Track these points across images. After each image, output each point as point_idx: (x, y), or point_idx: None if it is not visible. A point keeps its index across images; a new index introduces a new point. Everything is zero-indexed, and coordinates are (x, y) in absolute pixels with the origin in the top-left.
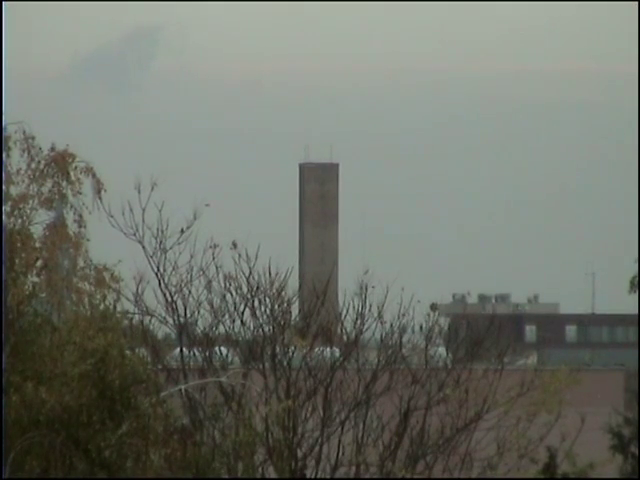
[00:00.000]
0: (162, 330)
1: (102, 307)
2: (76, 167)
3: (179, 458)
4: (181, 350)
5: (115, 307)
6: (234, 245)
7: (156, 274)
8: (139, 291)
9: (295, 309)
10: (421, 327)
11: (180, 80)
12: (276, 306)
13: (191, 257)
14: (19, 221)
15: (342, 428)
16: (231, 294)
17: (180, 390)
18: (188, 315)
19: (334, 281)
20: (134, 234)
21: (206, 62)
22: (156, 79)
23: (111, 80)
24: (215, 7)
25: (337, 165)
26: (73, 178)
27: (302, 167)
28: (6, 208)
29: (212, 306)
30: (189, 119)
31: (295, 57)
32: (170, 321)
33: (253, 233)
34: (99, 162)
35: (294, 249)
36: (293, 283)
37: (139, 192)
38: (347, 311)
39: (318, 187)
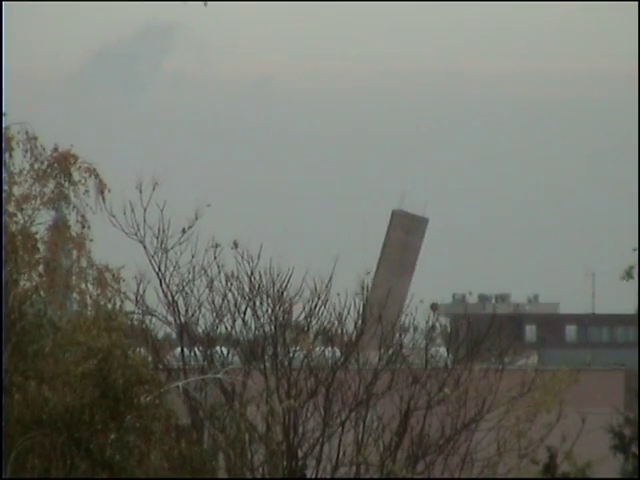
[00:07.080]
0: (163, 330)
1: (109, 307)
2: (80, 167)
3: (177, 457)
4: (182, 350)
5: (122, 308)
6: (235, 245)
7: (157, 274)
8: (140, 291)
9: (299, 309)
10: (415, 327)
11: (193, 79)
12: (277, 307)
13: (192, 257)
14: (21, 221)
15: (342, 428)
16: (232, 293)
17: (178, 388)
18: (189, 314)
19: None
20: (135, 234)
21: (221, 61)
22: (168, 77)
23: (121, 78)
24: (237, 5)
25: (427, 220)
26: (76, 179)
27: (394, 213)
28: (8, 208)
29: (214, 304)
30: (203, 118)
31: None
32: (171, 320)
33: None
34: (105, 162)
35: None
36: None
37: (140, 192)
38: (348, 311)
39: (403, 235)
